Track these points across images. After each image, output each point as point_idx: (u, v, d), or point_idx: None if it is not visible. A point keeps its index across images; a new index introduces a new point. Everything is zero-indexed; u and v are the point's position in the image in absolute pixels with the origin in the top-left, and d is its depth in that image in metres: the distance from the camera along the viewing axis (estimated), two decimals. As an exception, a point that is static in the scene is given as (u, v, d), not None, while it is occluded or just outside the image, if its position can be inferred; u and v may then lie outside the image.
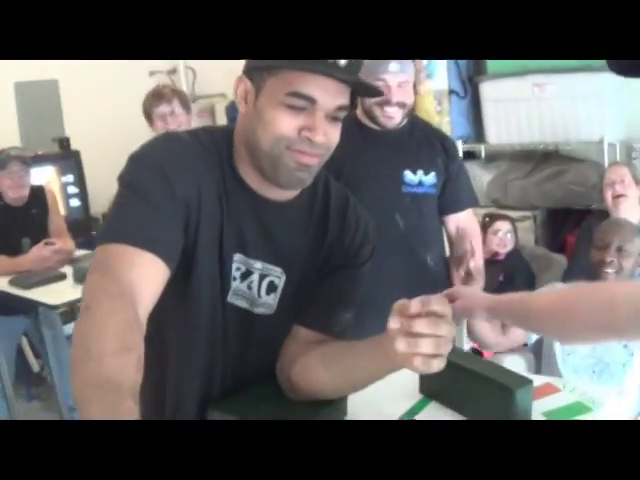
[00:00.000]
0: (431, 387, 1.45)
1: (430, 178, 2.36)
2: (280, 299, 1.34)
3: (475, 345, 2.54)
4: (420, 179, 2.34)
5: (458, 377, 1.34)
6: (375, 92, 1.35)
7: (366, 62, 2.19)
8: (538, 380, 1.46)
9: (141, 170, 1.20)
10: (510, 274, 3.63)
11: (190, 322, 1.29)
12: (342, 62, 1.13)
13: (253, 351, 1.37)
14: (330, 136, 1.19)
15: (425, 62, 4.21)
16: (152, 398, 1.33)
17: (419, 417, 1.41)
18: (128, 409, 0.90)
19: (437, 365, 1.01)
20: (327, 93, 1.15)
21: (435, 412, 1.42)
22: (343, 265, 1.35)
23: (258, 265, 1.30)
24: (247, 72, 1.21)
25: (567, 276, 3.37)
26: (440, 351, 1.00)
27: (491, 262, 3.59)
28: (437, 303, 1.01)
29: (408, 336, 1.00)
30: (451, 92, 4.24)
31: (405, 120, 2.35)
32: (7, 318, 3.43)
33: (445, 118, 4.26)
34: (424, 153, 2.38)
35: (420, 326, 0.99)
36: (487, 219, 3.82)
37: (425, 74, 4.25)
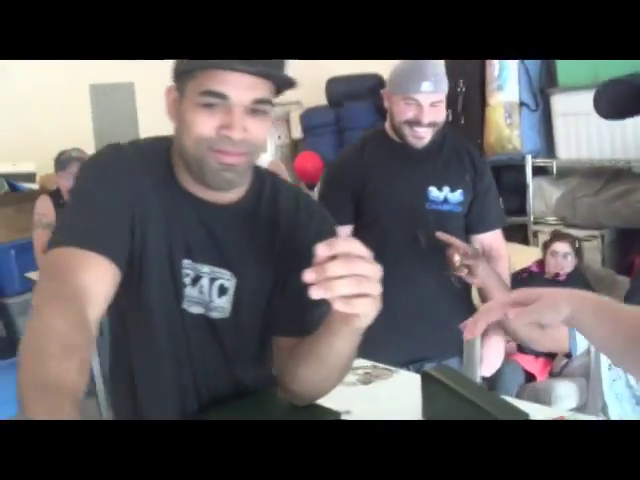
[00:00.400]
0: (432, 412, 1.40)
1: (457, 195, 2.27)
2: (234, 302, 1.32)
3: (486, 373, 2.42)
4: (446, 196, 2.26)
5: (455, 405, 1.29)
6: (289, 83, 1.27)
7: (397, 80, 2.17)
8: (550, 413, 1.40)
9: (85, 178, 1.25)
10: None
11: (147, 331, 1.30)
12: None
13: (221, 358, 1.35)
14: (253, 131, 1.18)
15: (496, 73, 4.13)
16: (128, 406, 1.36)
17: None
18: (67, 413, 0.89)
19: (364, 306, 0.95)
20: (239, 88, 1.14)
21: None
22: (302, 266, 1.29)
23: (206, 269, 1.30)
24: (174, 80, 1.22)
25: (628, 299, 3.23)
26: (362, 290, 0.93)
27: (552, 282, 3.50)
28: (345, 243, 0.95)
29: (324, 282, 0.93)
30: (522, 104, 4.13)
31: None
32: None
33: (515, 131, 4.16)
34: (452, 169, 2.28)
35: (333, 268, 0.92)
36: (548, 238, 3.72)
37: (496, 85, 4.16)
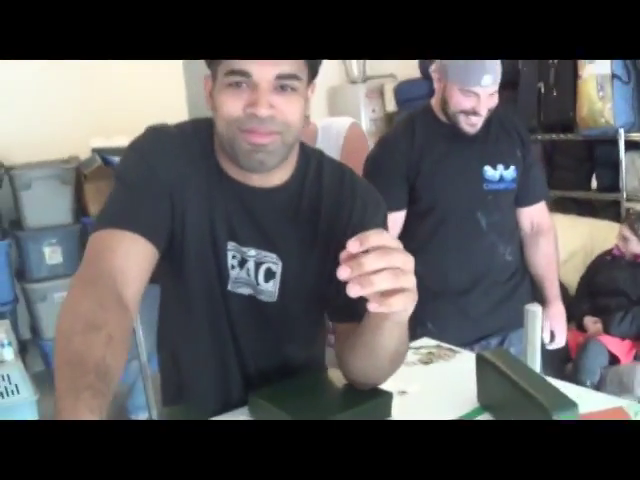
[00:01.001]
0: (485, 395, 1.39)
1: (510, 172, 2.25)
2: (281, 286, 1.33)
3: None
4: (501, 174, 2.23)
5: (507, 391, 1.27)
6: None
7: (456, 70, 2.11)
8: (609, 402, 1.36)
9: (126, 161, 1.28)
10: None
11: (189, 310, 1.33)
12: None
13: (269, 337, 1.37)
14: (281, 108, 1.17)
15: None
16: (173, 381, 1.43)
17: None
18: (87, 383, 0.92)
19: (401, 301, 0.93)
20: (262, 64, 1.14)
21: None
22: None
23: (252, 252, 1.31)
24: (208, 67, 1.23)
25: None
26: (399, 283, 0.92)
27: (633, 265, 3.42)
28: (377, 235, 0.92)
29: (360, 278, 0.91)
30: (614, 77, 3.96)
31: None
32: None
33: (607, 104, 3.99)
34: (503, 146, 2.27)
35: (369, 262, 0.90)
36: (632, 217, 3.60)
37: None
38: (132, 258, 1.15)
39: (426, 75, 5.13)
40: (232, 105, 1.17)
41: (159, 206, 1.23)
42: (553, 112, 4.27)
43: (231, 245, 1.30)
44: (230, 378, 1.38)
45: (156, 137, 1.29)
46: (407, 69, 5.11)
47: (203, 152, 1.30)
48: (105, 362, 0.96)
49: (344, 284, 1.12)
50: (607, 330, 3.32)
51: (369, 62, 5.57)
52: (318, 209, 1.33)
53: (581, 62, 4.10)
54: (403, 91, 5.29)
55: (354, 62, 5.52)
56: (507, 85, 3.67)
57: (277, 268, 1.32)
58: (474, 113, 2.12)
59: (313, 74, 1.23)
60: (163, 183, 1.24)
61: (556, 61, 4.23)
